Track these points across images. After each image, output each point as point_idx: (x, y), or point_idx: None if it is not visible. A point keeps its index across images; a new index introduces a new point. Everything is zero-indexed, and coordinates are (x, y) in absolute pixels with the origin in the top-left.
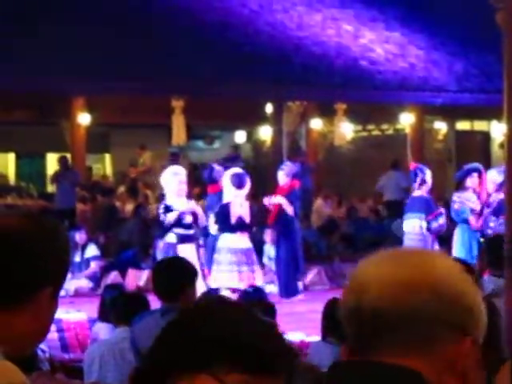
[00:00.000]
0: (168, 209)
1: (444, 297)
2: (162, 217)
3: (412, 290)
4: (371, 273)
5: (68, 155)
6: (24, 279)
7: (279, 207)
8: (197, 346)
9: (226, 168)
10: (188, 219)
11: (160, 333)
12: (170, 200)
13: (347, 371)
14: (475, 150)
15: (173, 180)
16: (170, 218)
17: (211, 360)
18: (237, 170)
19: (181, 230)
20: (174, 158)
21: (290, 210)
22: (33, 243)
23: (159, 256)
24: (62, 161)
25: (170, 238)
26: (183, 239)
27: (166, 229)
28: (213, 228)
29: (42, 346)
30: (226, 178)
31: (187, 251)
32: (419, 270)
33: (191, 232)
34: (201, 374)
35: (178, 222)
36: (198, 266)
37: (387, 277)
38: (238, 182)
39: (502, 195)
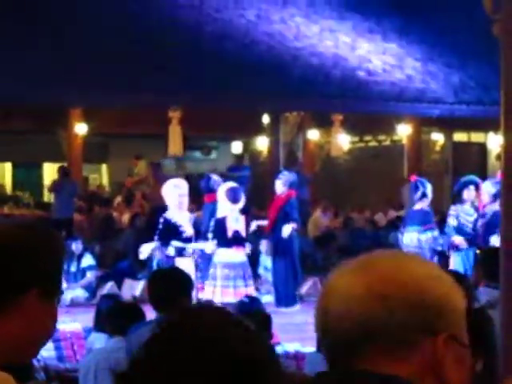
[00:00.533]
0: (168, 222)
1: (406, 303)
2: (160, 229)
3: (369, 301)
4: (335, 284)
5: (65, 165)
6: (7, 283)
7: (275, 218)
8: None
9: (230, 178)
10: (188, 233)
11: (147, 347)
12: (170, 213)
13: (333, 381)
14: (472, 161)
15: (173, 193)
16: (171, 251)
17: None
18: (231, 184)
19: (179, 244)
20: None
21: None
22: (15, 243)
23: (157, 268)
24: (62, 171)
25: (169, 250)
26: (181, 252)
27: (164, 242)
28: (209, 246)
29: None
30: (221, 192)
31: (185, 265)
32: (379, 280)
33: (190, 245)
34: None
35: (178, 236)
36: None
37: (349, 289)
38: (233, 197)
39: (496, 206)
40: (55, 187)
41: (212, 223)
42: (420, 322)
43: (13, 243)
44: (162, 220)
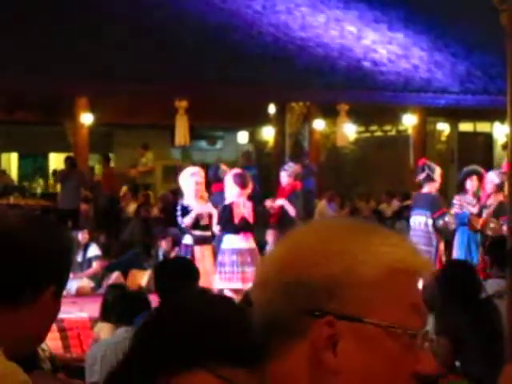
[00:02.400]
0: (185, 209)
1: (275, 288)
2: (179, 219)
3: (274, 280)
4: (262, 262)
5: (71, 155)
6: (26, 278)
7: (281, 208)
8: (187, 343)
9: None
10: (205, 220)
11: (142, 332)
12: (187, 200)
13: None
14: (478, 151)
15: (190, 181)
16: (187, 220)
17: (204, 356)
18: (238, 170)
19: (197, 232)
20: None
21: (291, 210)
22: (34, 242)
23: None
24: (68, 161)
25: (187, 239)
26: (200, 241)
27: (183, 230)
28: (215, 228)
29: (44, 345)
30: (228, 178)
31: (204, 253)
32: (282, 256)
33: (208, 233)
34: (195, 371)
35: (195, 224)
36: (214, 268)
37: (270, 259)
38: (241, 182)
39: (500, 197)
40: (61, 178)
41: (219, 209)
42: (306, 306)
43: (35, 240)
44: (179, 207)
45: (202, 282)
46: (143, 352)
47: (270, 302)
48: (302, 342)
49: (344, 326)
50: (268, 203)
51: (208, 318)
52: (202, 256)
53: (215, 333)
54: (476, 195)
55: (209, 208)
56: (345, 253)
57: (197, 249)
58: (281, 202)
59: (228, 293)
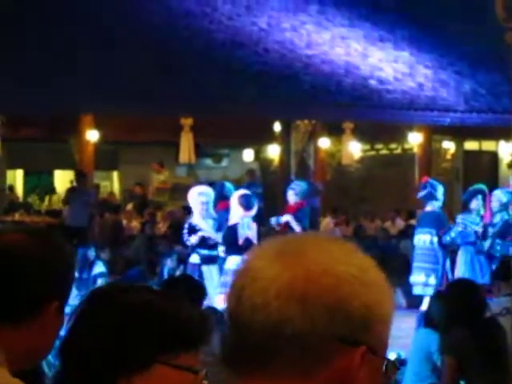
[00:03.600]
0: (193, 228)
1: (327, 311)
2: (185, 236)
3: (288, 300)
4: (258, 265)
5: (81, 169)
6: (29, 294)
7: (287, 225)
8: (138, 340)
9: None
10: (213, 240)
11: (89, 332)
12: (195, 219)
13: None
14: (483, 170)
15: (197, 200)
16: (193, 239)
17: (157, 350)
18: (244, 190)
19: (205, 251)
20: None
21: (297, 228)
22: (36, 258)
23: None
24: (78, 178)
25: (194, 258)
26: (207, 260)
27: (190, 249)
28: (220, 250)
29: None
30: (233, 199)
31: (212, 272)
32: (304, 277)
33: (215, 253)
34: (153, 367)
35: (203, 243)
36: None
37: (271, 277)
38: (246, 203)
39: (506, 216)
40: (67, 198)
41: (224, 231)
42: (340, 332)
43: (39, 256)
44: (186, 225)
45: (210, 301)
46: (99, 356)
47: (310, 320)
48: (323, 367)
49: (369, 358)
50: (273, 221)
51: (149, 312)
52: (210, 275)
53: (162, 326)
54: (479, 214)
55: (215, 226)
56: (377, 285)
57: (205, 268)
58: (287, 217)
59: None
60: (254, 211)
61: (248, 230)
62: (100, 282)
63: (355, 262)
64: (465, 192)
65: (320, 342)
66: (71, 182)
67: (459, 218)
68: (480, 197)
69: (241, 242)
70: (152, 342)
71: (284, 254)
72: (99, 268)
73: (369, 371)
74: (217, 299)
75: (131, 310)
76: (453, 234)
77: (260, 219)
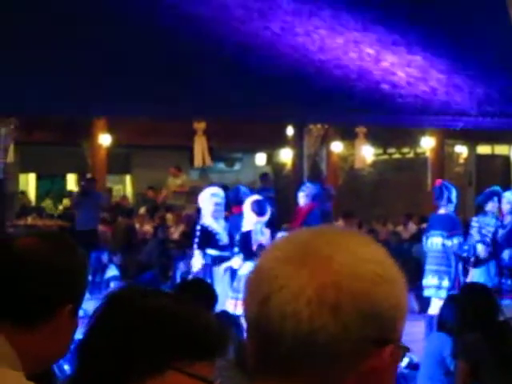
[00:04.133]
0: (205, 229)
1: (360, 315)
2: (197, 239)
3: (319, 309)
4: (282, 272)
5: (88, 175)
6: (41, 298)
7: (298, 227)
8: (154, 345)
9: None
10: (224, 241)
11: (106, 335)
12: (206, 220)
13: None
14: (496, 174)
15: (210, 201)
16: (199, 240)
17: (172, 356)
18: (257, 196)
19: (216, 252)
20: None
21: None
22: (49, 262)
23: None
24: (88, 182)
25: (206, 259)
26: (218, 261)
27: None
28: (236, 261)
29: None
30: (246, 205)
31: (222, 273)
32: (333, 285)
33: (227, 254)
34: (166, 372)
35: (214, 244)
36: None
37: (299, 286)
38: (259, 209)
39: None
40: (76, 201)
41: (238, 237)
42: (373, 335)
43: (52, 260)
44: (198, 227)
45: (220, 303)
46: (114, 358)
47: (343, 327)
48: (352, 370)
49: (395, 354)
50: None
51: (165, 317)
52: (220, 276)
53: (178, 333)
54: (495, 216)
55: (227, 228)
56: (398, 281)
57: (216, 269)
58: None
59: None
60: (266, 217)
61: (261, 235)
62: (113, 285)
63: (378, 258)
64: (479, 194)
65: (352, 347)
66: (79, 185)
67: (474, 221)
68: (496, 199)
69: (254, 247)
70: (167, 347)
71: (308, 257)
72: (112, 272)
73: (394, 365)
74: (227, 303)
75: (149, 314)
76: (455, 241)
77: (273, 224)
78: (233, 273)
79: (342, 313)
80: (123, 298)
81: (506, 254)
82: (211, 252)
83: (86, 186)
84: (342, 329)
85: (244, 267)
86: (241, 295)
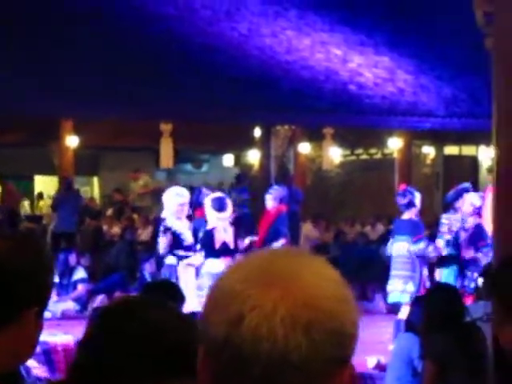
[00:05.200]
0: (168, 230)
1: (328, 333)
2: (160, 238)
3: (293, 329)
4: (254, 293)
5: (55, 178)
6: (7, 300)
7: (266, 233)
8: (150, 359)
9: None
10: (188, 241)
11: (99, 347)
12: (169, 221)
13: None
14: (463, 174)
15: (174, 201)
16: (163, 242)
17: (168, 370)
18: (217, 194)
19: (181, 252)
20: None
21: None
22: (13, 264)
23: (163, 277)
24: (65, 183)
25: (170, 259)
26: (183, 261)
27: (163, 253)
28: (197, 258)
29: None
30: (207, 203)
31: (188, 273)
32: (304, 305)
33: (191, 253)
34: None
35: (179, 244)
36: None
37: (273, 307)
38: (219, 206)
39: (478, 220)
40: (56, 203)
41: (201, 234)
42: (338, 354)
43: (18, 262)
44: (162, 229)
45: (187, 303)
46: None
47: (315, 346)
48: None
49: (352, 372)
50: (253, 239)
51: (163, 331)
52: (186, 276)
53: (173, 346)
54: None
55: (191, 227)
56: (353, 301)
57: (181, 269)
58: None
59: None
60: (227, 213)
61: (224, 233)
62: (80, 287)
63: (337, 278)
64: (450, 192)
65: (321, 368)
66: (57, 188)
67: (444, 218)
68: (466, 195)
69: (218, 245)
70: (160, 362)
71: (276, 278)
72: (80, 273)
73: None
74: (194, 302)
75: (147, 326)
76: (421, 246)
77: (252, 225)
78: (197, 271)
79: (313, 332)
80: (123, 308)
81: (468, 256)
82: (176, 252)
83: (68, 187)
84: (313, 348)
85: (207, 265)
86: (204, 292)
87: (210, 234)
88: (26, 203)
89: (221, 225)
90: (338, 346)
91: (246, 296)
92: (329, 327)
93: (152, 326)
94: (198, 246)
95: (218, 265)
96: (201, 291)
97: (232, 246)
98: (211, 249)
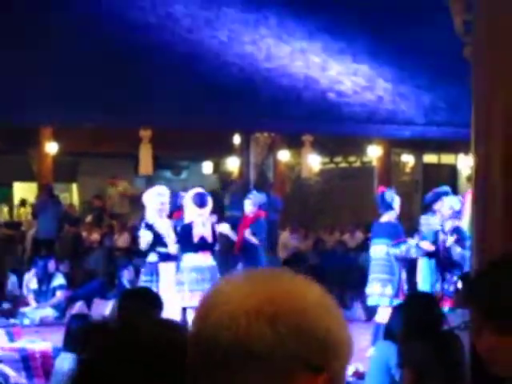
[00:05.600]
0: (149, 227)
1: (286, 326)
2: (141, 234)
3: (257, 320)
4: (226, 288)
5: (35, 184)
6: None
7: (243, 238)
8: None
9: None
10: (169, 238)
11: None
12: (150, 219)
13: None
14: (442, 182)
15: (155, 199)
16: (144, 237)
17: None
18: (198, 189)
19: (162, 249)
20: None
21: (254, 239)
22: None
23: (143, 276)
24: (46, 189)
25: (152, 257)
26: (164, 258)
27: (144, 248)
28: (171, 248)
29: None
30: (187, 198)
31: (168, 269)
32: (271, 299)
33: (172, 250)
34: None
35: (159, 241)
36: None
37: (239, 299)
38: (200, 201)
39: (457, 223)
40: (37, 210)
41: (179, 228)
42: (306, 356)
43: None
44: (143, 225)
45: (166, 299)
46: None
47: (279, 338)
48: None
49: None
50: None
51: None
52: (166, 273)
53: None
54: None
55: (172, 226)
56: (335, 311)
57: (161, 266)
58: (223, 227)
59: (191, 311)
60: (208, 209)
61: (203, 227)
62: (59, 294)
63: (315, 288)
64: (428, 194)
65: (286, 365)
66: (42, 193)
67: (423, 219)
68: (445, 198)
69: (196, 240)
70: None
71: (251, 279)
72: (59, 280)
73: None
74: (172, 296)
75: (155, 347)
76: (403, 248)
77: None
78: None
79: (279, 324)
80: (132, 327)
81: (447, 260)
82: (157, 249)
83: (48, 194)
84: (278, 340)
85: (185, 260)
86: (186, 287)
87: (188, 229)
88: (5, 210)
89: (199, 220)
90: (305, 345)
91: (219, 292)
92: (295, 323)
93: (143, 332)
94: (175, 239)
95: (197, 259)
96: (181, 286)
97: (210, 240)
98: (189, 243)
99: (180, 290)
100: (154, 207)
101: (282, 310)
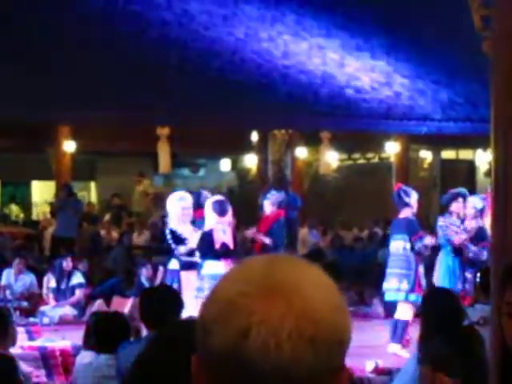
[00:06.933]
0: (174, 234)
1: (329, 343)
2: (173, 245)
3: (299, 343)
4: (260, 307)
5: (53, 183)
6: None
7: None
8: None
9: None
10: (192, 245)
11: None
12: (173, 225)
13: None
14: (460, 178)
15: (177, 205)
16: (182, 250)
17: None
18: (218, 197)
19: (185, 257)
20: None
21: (267, 240)
22: None
23: (167, 282)
24: (65, 188)
25: (173, 264)
26: (186, 266)
27: (172, 255)
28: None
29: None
30: (207, 206)
31: (190, 278)
32: (309, 320)
33: (195, 259)
34: None
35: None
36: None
37: (279, 321)
38: (220, 209)
39: (480, 222)
40: (56, 208)
41: (199, 235)
42: (338, 363)
43: None
44: (167, 231)
45: (188, 308)
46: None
47: (319, 358)
48: None
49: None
50: (249, 233)
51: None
52: (188, 281)
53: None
54: (460, 217)
55: (195, 232)
56: (347, 309)
57: (183, 274)
58: (254, 233)
59: None
60: (228, 217)
61: (224, 234)
62: (78, 292)
63: (333, 286)
64: (445, 195)
65: (325, 377)
66: (55, 193)
67: (440, 221)
68: (461, 200)
69: (217, 246)
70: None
71: (278, 289)
72: (77, 278)
73: None
74: (193, 304)
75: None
76: (425, 242)
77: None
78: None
79: (318, 344)
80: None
81: (468, 259)
82: (180, 256)
83: (68, 193)
84: (318, 360)
85: (206, 267)
86: (205, 294)
87: (208, 236)
88: (14, 208)
89: (220, 226)
90: (339, 355)
91: (252, 308)
92: (332, 339)
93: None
94: (196, 246)
95: (218, 266)
96: (200, 293)
97: (232, 247)
98: (211, 250)
99: (200, 297)
100: (176, 213)
101: (320, 328)
